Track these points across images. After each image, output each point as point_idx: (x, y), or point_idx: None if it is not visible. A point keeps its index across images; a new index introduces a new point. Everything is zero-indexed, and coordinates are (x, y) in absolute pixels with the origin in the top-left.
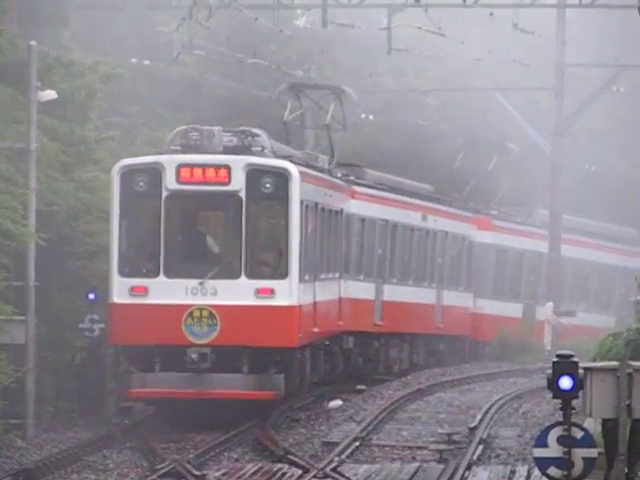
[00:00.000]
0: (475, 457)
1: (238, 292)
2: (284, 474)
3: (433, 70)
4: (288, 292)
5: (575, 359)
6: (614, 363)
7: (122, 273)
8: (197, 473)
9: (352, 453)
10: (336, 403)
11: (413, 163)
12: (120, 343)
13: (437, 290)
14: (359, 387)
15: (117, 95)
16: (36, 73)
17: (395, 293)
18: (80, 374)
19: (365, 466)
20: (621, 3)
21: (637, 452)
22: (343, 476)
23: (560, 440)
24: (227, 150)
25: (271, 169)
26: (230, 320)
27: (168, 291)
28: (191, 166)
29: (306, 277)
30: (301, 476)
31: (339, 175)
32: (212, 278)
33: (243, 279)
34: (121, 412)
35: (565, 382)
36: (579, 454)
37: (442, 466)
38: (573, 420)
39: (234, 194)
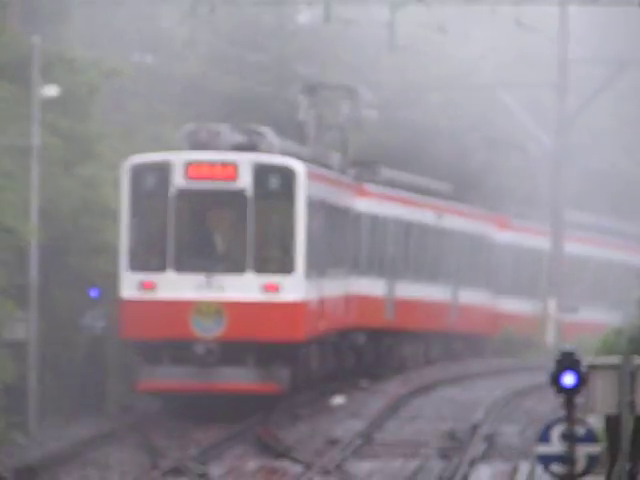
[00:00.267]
0: (478, 454)
1: (245, 287)
2: (286, 471)
3: (435, 67)
4: (294, 288)
5: (578, 355)
6: (617, 359)
7: (131, 268)
8: (199, 470)
9: (355, 450)
10: (339, 400)
11: (414, 160)
12: (129, 337)
13: (453, 288)
14: (362, 384)
15: (119, 91)
16: (38, 69)
17: (408, 290)
18: (82, 371)
19: (368, 463)
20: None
21: None
22: (345, 473)
23: (563, 437)
24: (235, 148)
25: (277, 167)
26: (236, 315)
27: (176, 286)
28: (199, 164)
29: (312, 273)
30: (303, 473)
31: (352, 173)
32: (219, 274)
33: (250, 275)
34: (123, 409)
35: (568, 378)
36: (582, 450)
37: (444, 463)
38: (576, 417)
39: (241, 191)
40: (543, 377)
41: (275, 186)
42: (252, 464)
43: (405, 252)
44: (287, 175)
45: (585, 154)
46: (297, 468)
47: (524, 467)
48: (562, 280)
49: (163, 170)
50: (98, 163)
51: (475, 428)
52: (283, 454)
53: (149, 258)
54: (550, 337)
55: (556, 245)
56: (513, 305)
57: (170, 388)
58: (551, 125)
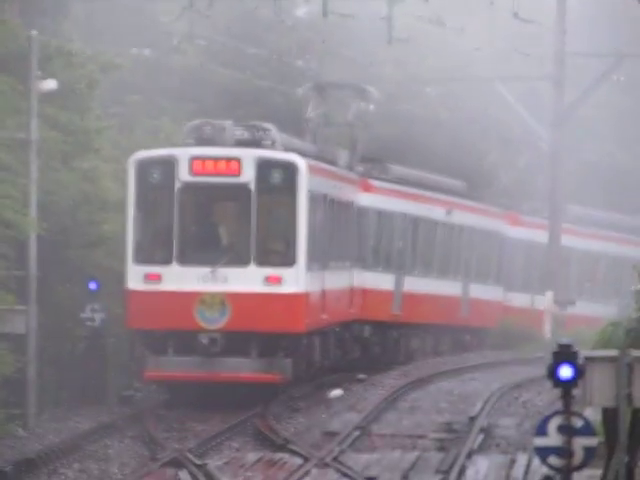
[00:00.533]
0: (475, 446)
1: (248, 279)
2: (285, 463)
3: (433, 60)
4: (295, 280)
5: (575, 348)
6: (614, 352)
7: (137, 261)
8: (198, 462)
9: (353, 442)
10: (337, 392)
11: (411, 153)
12: (135, 327)
13: (463, 283)
14: (360, 376)
15: (117, 85)
16: (36, 63)
17: (416, 285)
18: (81, 364)
19: (365, 455)
20: None
21: (637, 441)
22: (344, 465)
23: (560, 429)
24: (238, 143)
25: (279, 162)
26: (240, 306)
27: (181, 278)
28: (203, 158)
29: (314, 265)
30: (302, 465)
31: (359, 169)
32: (223, 266)
33: (252, 267)
34: (122, 401)
35: (565, 371)
36: (579, 443)
37: (442, 455)
38: (573, 409)
39: (244, 185)
40: (541, 369)
41: (277, 180)
42: (250, 456)
43: (413, 247)
44: (289, 170)
45: (581, 146)
46: (295, 460)
47: (521, 459)
48: (559, 273)
49: (168, 165)
50: (97, 156)
51: (473, 420)
52: (281, 446)
53: (155, 251)
54: (547, 330)
55: (553, 238)
56: (524, 300)
57: (175, 377)
58: (548, 118)
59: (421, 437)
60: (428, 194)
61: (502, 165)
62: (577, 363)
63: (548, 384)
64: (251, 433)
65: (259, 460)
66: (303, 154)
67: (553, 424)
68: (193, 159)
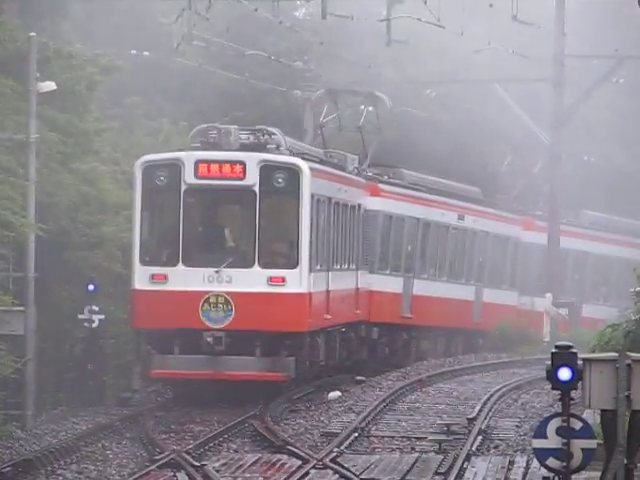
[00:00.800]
0: (474, 448)
1: (252, 280)
2: (283, 464)
3: (432, 62)
4: (298, 280)
5: (574, 350)
6: (613, 354)
7: (143, 261)
8: (196, 464)
9: (351, 444)
10: (335, 394)
11: (410, 157)
12: (142, 327)
13: (476, 287)
14: (358, 378)
15: (117, 86)
16: (36, 64)
17: (426, 288)
18: (79, 365)
19: (364, 457)
20: None
21: (636, 443)
22: (342, 467)
23: (559, 431)
24: (243, 147)
25: (283, 165)
26: (244, 306)
27: (186, 279)
28: (208, 162)
29: (317, 267)
30: (300, 466)
31: (368, 174)
32: (227, 267)
33: (256, 268)
34: (120, 402)
35: (564, 373)
36: (578, 445)
37: (441, 457)
38: (572, 411)
39: (249, 188)
40: (540, 371)
41: (281, 184)
42: (249, 457)
43: (423, 251)
44: (293, 173)
45: (581, 148)
46: (294, 461)
47: (520, 461)
48: (558, 275)
49: (174, 168)
50: (96, 158)
51: (471, 422)
52: (280, 448)
53: (161, 252)
54: (547, 332)
55: (552, 240)
56: (541, 305)
57: (181, 375)
58: (548, 120)
59: (420, 439)
60: (441, 199)
61: (517, 171)
62: (576, 365)
63: (547, 386)
64: (249, 434)
65: (257, 461)
66: (308, 158)
67: (552, 426)
68: (198, 162)
